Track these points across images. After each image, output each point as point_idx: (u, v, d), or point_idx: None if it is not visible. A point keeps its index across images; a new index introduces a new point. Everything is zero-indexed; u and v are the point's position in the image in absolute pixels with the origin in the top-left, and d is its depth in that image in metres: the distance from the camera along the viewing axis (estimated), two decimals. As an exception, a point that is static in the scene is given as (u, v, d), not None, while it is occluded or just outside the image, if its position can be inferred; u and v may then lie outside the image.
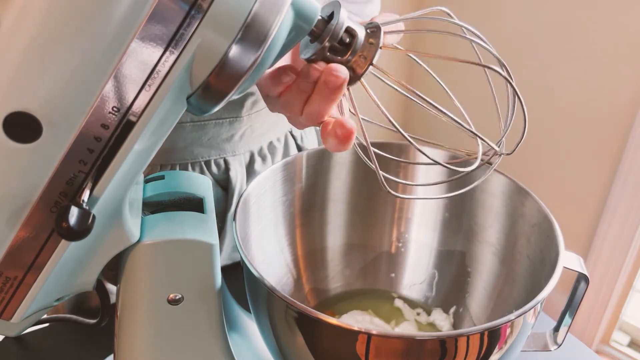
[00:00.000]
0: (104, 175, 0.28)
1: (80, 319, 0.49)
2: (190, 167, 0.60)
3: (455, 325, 0.53)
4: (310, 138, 0.71)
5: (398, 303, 0.56)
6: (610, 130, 1.38)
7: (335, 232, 0.57)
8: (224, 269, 0.40)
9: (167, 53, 0.26)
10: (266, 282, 0.36)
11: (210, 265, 0.36)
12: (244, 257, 0.39)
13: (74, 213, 0.27)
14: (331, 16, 0.32)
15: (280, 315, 0.38)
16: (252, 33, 0.27)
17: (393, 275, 0.58)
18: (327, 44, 0.32)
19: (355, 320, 0.53)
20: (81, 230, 0.27)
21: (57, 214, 0.27)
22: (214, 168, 0.61)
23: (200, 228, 0.37)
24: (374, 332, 0.34)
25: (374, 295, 0.57)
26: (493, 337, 0.35)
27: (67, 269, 0.32)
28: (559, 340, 0.45)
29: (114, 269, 0.37)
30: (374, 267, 0.58)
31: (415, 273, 0.57)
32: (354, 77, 0.33)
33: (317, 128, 0.71)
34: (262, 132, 0.63)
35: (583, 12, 1.36)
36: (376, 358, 0.35)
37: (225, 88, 0.28)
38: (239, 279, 0.43)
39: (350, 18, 0.33)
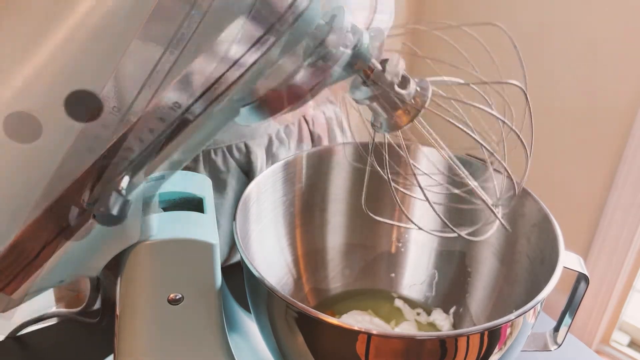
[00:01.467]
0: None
1: (81, 318, 0.49)
2: (212, 153, 0.61)
3: (455, 325, 0.53)
4: (320, 122, 0.72)
5: (398, 303, 0.56)
6: (610, 130, 1.38)
7: (335, 232, 0.57)
8: (224, 269, 0.40)
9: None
10: (266, 282, 0.36)
11: (210, 265, 0.36)
12: (244, 257, 0.39)
13: (115, 199, 0.28)
14: (385, 62, 0.32)
15: (280, 315, 0.37)
16: None
17: (393, 275, 0.58)
18: (377, 93, 0.32)
19: (355, 320, 0.53)
20: (118, 217, 0.29)
21: (97, 199, 0.28)
22: (235, 153, 0.62)
23: (200, 228, 0.37)
24: (374, 332, 0.34)
25: (374, 295, 0.57)
26: (493, 337, 0.35)
27: (66, 269, 0.32)
28: (559, 340, 0.45)
29: (114, 268, 0.37)
30: (374, 267, 0.58)
31: (415, 273, 0.57)
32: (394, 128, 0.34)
33: (337, 119, 0.73)
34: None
35: (583, 12, 1.36)
36: (376, 358, 0.35)
37: (278, 105, 0.30)
38: (239, 279, 0.43)
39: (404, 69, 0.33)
